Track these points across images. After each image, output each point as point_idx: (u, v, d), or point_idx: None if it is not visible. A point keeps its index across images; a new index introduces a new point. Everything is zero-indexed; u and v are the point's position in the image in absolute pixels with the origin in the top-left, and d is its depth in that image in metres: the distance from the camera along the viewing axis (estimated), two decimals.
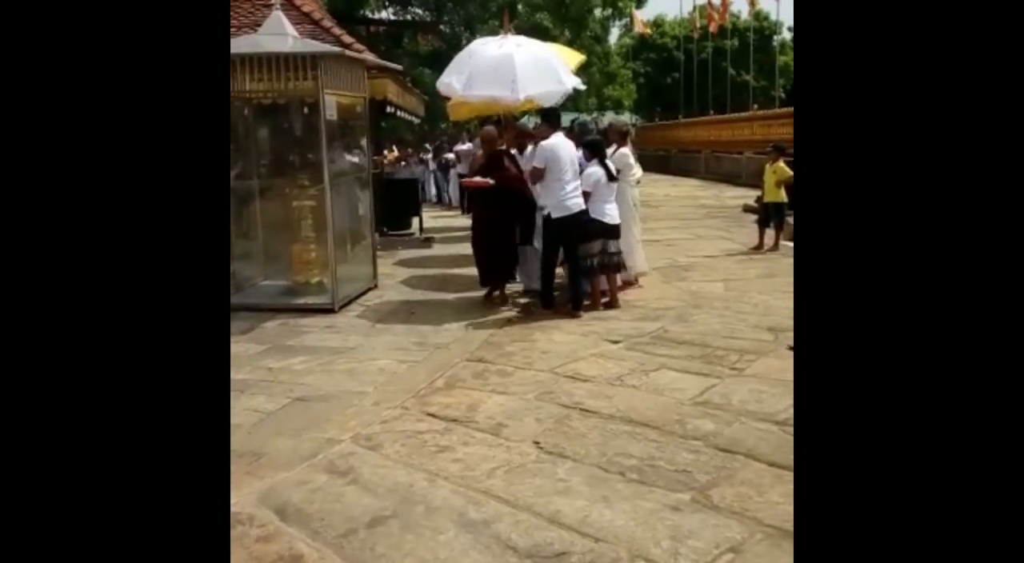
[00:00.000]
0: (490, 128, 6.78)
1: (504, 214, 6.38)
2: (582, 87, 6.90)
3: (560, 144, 5.88)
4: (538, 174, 5.88)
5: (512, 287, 6.82)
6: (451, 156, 14.41)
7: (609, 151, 6.59)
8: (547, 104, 6.40)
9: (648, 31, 34.94)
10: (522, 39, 7.24)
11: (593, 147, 6.18)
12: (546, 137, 5.94)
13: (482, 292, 6.73)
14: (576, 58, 8.10)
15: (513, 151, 6.76)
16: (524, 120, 7.26)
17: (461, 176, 11.64)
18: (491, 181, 6.28)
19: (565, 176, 5.79)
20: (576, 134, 7.40)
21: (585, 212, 5.90)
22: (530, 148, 6.32)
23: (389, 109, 10.03)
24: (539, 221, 6.24)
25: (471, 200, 7.16)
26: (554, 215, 5.83)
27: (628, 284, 6.69)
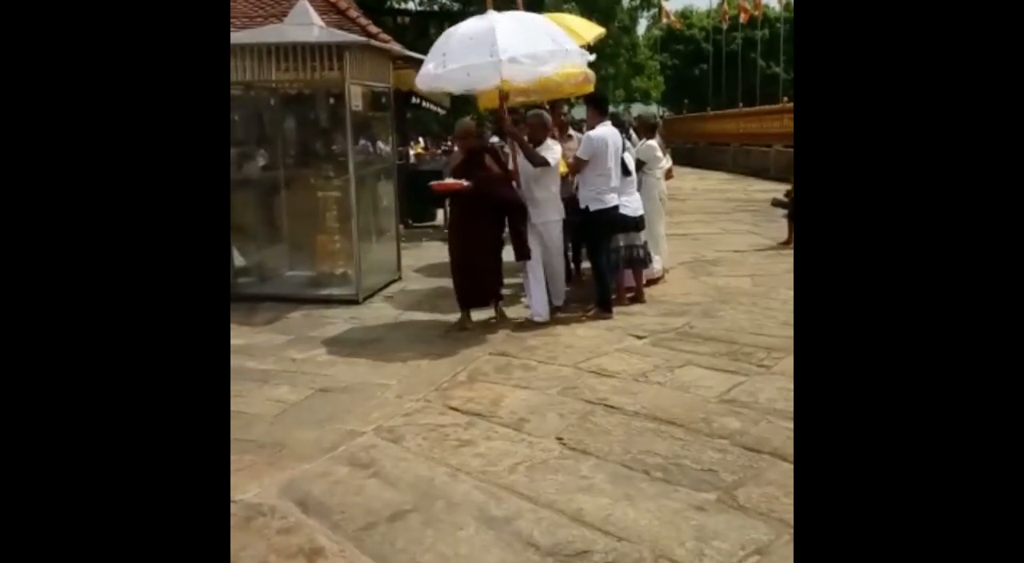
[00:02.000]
0: (468, 120, 5.86)
1: (484, 223, 5.35)
2: (590, 57, 5.74)
3: (608, 135, 5.60)
4: (580, 165, 5.57)
5: (519, 311, 5.83)
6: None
7: (637, 143, 6.52)
8: (541, 71, 5.29)
9: (677, 24, 34.57)
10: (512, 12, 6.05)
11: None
12: (593, 126, 5.67)
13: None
14: (591, 30, 7.08)
15: (506, 148, 5.99)
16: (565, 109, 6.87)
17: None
18: (465, 183, 5.29)
19: (608, 170, 5.58)
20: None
21: (616, 208, 5.84)
22: (548, 142, 5.55)
23: (415, 100, 10.01)
24: (544, 230, 5.55)
25: (450, 207, 5.83)
26: (592, 208, 5.59)
27: (653, 279, 6.62)
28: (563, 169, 5.77)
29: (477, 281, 5.45)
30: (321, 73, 6.16)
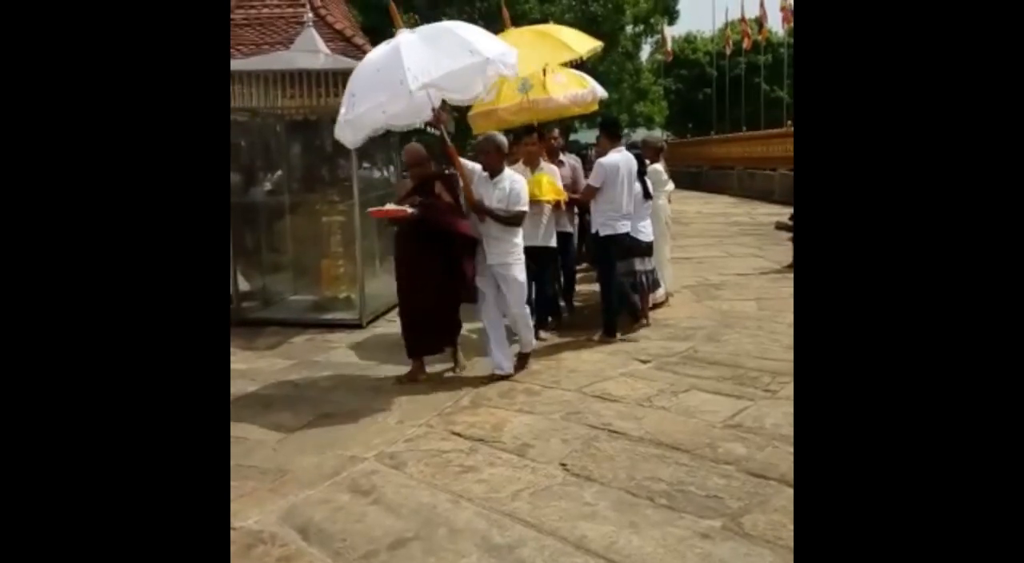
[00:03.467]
0: (416, 145, 4.99)
1: (433, 259, 4.65)
2: (510, 60, 4.46)
3: (621, 161, 5.55)
4: (591, 193, 5.54)
5: (482, 365, 5.05)
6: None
7: None
8: (468, 93, 4.58)
9: (669, 58, 34.96)
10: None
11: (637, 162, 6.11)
12: (604, 152, 5.62)
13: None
14: (582, 43, 5.98)
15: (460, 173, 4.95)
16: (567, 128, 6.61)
17: None
18: (409, 209, 4.59)
19: (620, 197, 5.54)
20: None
21: (628, 235, 5.85)
22: (507, 170, 4.84)
23: (425, 126, 10.08)
24: (501, 273, 4.77)
25: (395, 241, 4.95)
26: (602, 233, 5.58)
27: (657, 303, 6.60)
28: (551, 196, 5.51)
29: (425, 325, 4.75)
30: (327, 99, 6.21)
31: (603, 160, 5.58)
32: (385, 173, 7.79)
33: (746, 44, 30.38)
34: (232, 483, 3.19)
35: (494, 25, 6.28)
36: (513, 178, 4.78)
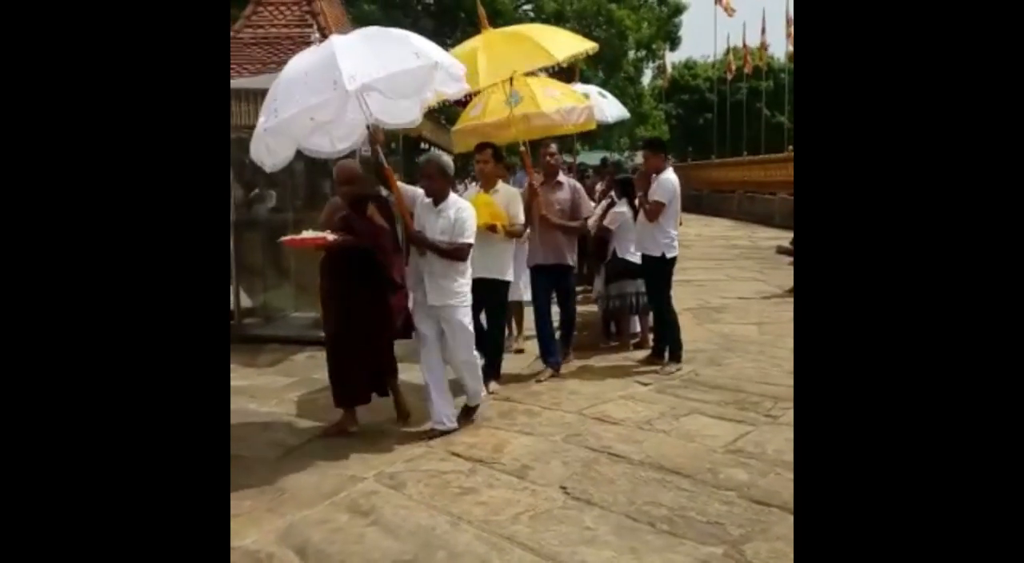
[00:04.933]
0: (350, 162, 4.33)
1: (362, 291, 4.07)
2: (457, 70, 3.96)
3: (675, 178, 5.44)
4: (659, 210, 5.23)
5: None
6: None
7: None
8: (408, 115, 4.08)
9: (666, 84, 35.28)
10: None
11: (624, 185, 6.13)
12: (661, 169, 5.35)
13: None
14: (562, 47, 5.33)
15: (389, 194, 4.36)
16: (553, 146, 5.51)
17: None
18: (329, 236, 3.93)
19: (678, 214, 5.48)
20: (610, 172, 7.39)
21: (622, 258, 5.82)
22: (452, 197, 4.23)
23: (423, 145, 10.11)
24: (444, 315, 4.12)
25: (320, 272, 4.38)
26: (668, 255, 5.32)
27: (653, 326, 6.58)
28: (484, 221, 4.52)
29: (353, 369, 4.11)
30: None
31: (666, 176, 5.36)
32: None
33: (747, 69, 30.60)
34: (230, 502, 3.15)
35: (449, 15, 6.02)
36: (459, 206, 4.12)
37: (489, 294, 4.66)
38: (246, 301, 7.00)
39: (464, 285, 4.14)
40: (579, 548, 2.82)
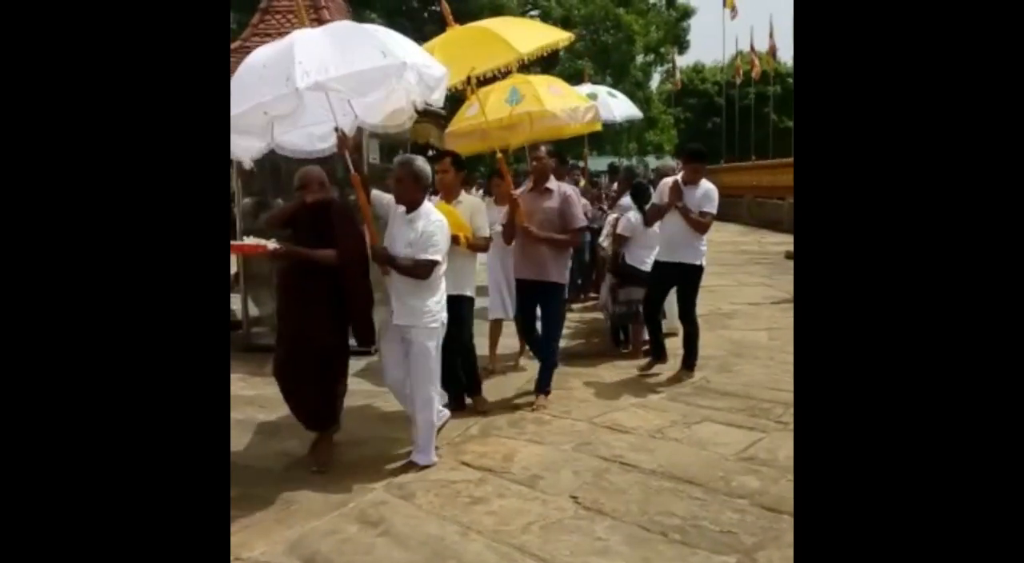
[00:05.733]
0: (313, 168, 3.91)
1: (316, 306, 3.74)
2: (436, 74, 3.72)
3: None
4: (710, 222, 5.18)
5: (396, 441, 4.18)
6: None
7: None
8: (374, 114, 3.92)
9: (677, 87, 35.23)
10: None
11: (638, 191, 6.14)
12: (697, 179, 5.18)
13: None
14: (529, 39, 4.97)
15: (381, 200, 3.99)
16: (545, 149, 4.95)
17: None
18: (268, 245, 3.66)
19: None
20: (624, 178, 7.37)
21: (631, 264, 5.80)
22: (426, 206, 3.86)
23: (431, 152, 10.13)
24: (413, 338, 3.77)
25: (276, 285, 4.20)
26: (704, 264, 5.28)
27: (667, 333, 6.55)
28: (460, 234, 4.28)
29: (302, 396, 3.84)
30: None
31: (712, 187, 5.29)
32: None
33: (755, 74, 30.58)
34: (238, 513, 3.15)
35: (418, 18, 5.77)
36: (430, 218, 3.74)
37: (450, 309, 4.03)
38: (254, 310, 7.01)
39: (435, 306, 3.75)
40: (590, 559, 2.80)
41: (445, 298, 3.88)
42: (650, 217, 5.47)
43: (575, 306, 8.22)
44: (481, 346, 5.43)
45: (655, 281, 5.50)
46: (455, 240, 4.17)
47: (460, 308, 4.43)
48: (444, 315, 3.83)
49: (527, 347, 5.68)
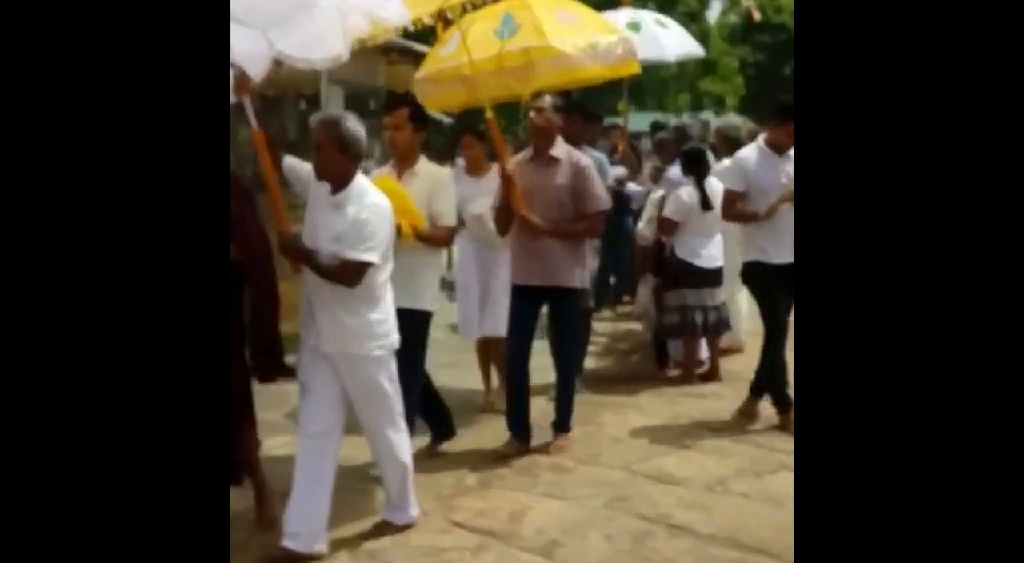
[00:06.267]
0: None
1: (235, 323, 3.69)
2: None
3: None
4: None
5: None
6: None
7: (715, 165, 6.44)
8: (310, 48, 3.87)
9: (756, 16, 35.15)
10: None
11: (693, 159, 6.06)
12: (791, 144, 4.95)
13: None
14: None
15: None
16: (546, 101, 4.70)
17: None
18: None
19: None
20: (672, 141, 7.32)
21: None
22: (360, 182, 3.62)
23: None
24: (344, 367, 3.59)
25: None
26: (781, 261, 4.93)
27: (730, 349, 6.56)
28: (403, 222, 3.99)
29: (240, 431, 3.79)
30: (289, 67, 6.24)
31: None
32: (368, 163, 7.82)
33: None
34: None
35: None
36: (365, 200, 3.54)
37: (400, 331, 3.85)
38: None
39: (379, 325, 3.59)
40: None
41: (394, 313, 3.71)
42: (738, 215, 5.19)
43: (607, 313, 8.24)
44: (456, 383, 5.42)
45: (767, 293, 5.18)
46: (396, 230, 3.88)
47: (413, 327, 4.18)
48: (395, 337, 3.68)
49: (499, 385, 5.45)
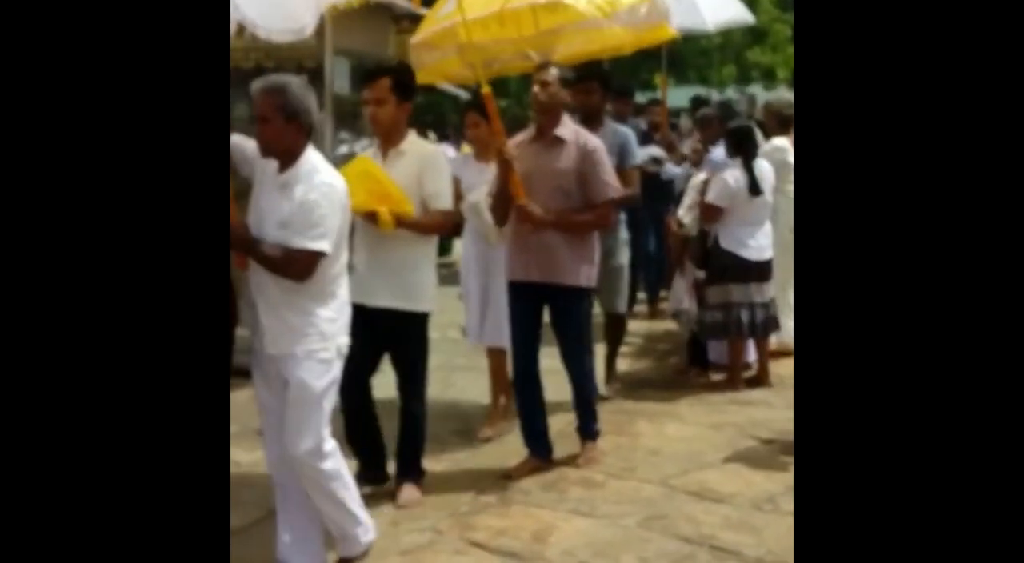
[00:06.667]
0: None
1: None
2: None
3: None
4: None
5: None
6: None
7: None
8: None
9: None
10: None
11: (740, 138, 6.05)
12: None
13: None
14: None
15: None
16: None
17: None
18: None
19: None
20: (716, 118, 7.29)
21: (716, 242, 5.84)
22: (311, 159, 3.49)
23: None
24: (286, 372, 3.48)
25: None
26: None
27: (780, 351, 6.52)
28: (357, 204, 3.80)
29: None
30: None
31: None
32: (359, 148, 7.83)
33: None
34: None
35: None
36: (316, 179, 3.42)
37: (392, 335, 4.07)
38: None
39: (326, 324, 3.49)
40: None
41: (348, 313, 3.63)
42: None
43: (641, 309, 8.22)
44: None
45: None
46: (371, 218, 3.94)
47: (407, 331, 4.21)
48: (345, 340, 3.58)
49: (510, 399, 5.29)
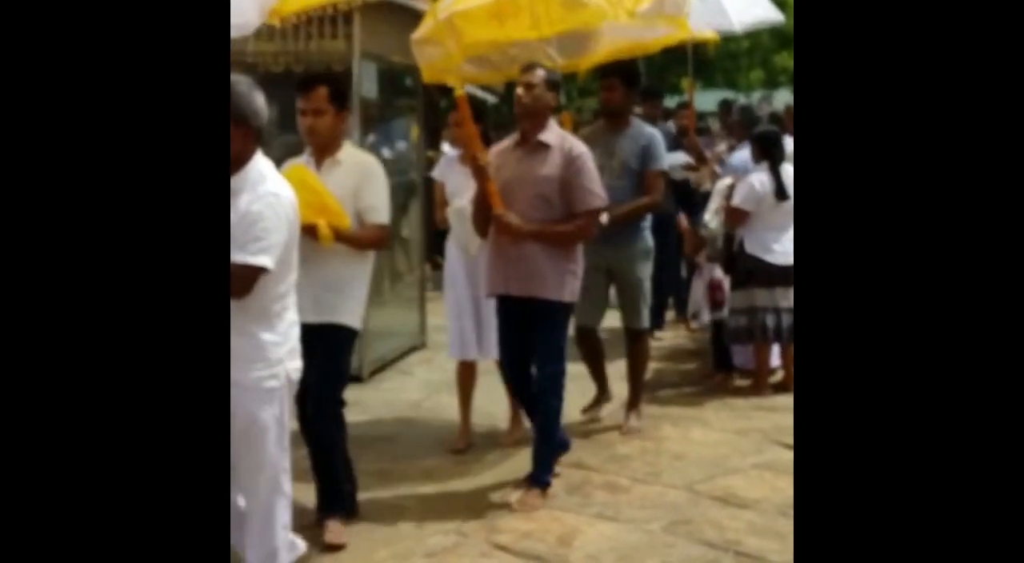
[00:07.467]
0: None
1: None
2: None
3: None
4: None
5: None
6: None
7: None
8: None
9: None
10: None
11: (767, 143, 6.07)
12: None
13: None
14: None
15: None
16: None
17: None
18: None
19: None
20: (739, 123, 7.27)
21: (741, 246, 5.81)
22: (259, 165, 3.24)
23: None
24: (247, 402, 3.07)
25: None
26: None
27: None
28: (319, 221, 3.79)
29: None
30: (319, 42, 6.29)
31: None
32: (403, 148, 7.80)
33: None
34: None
35: None
36: (261, 189, 3.18)
37: (316, 350, 3.70)
38: None
39: (275, 346, 3.22)
40: None
41: (296, 334, 3.36)
42: None
43: (668, 315, 8.20)
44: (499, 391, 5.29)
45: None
46: (309, 231, 3.68)
47: (330, 345, 3.95)
48: (295, 365, 3.32)
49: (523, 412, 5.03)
